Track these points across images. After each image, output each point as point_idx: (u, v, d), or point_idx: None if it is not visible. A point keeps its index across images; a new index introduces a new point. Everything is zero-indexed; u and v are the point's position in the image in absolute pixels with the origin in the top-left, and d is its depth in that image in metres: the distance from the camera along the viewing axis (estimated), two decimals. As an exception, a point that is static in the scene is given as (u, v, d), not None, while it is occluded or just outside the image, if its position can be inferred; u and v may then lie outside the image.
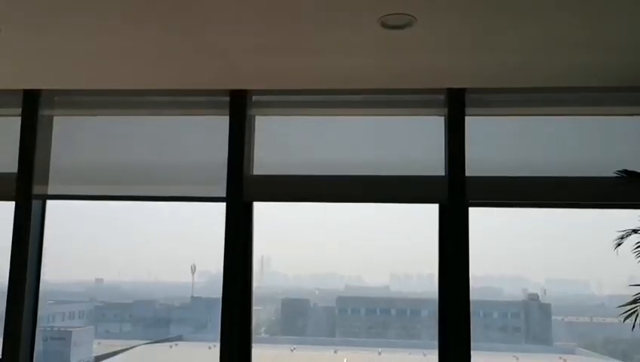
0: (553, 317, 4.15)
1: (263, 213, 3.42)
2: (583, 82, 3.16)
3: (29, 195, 3.41)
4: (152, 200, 3.44)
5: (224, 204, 3.32)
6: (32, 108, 3.46)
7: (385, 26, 2.58)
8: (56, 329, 4.21)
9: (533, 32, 2.63)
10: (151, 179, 3.42)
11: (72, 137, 3.52)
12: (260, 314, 3.98)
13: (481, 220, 3.28)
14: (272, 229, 3.55)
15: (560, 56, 2.86)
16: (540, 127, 3.29)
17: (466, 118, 3.25)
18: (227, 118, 3.36)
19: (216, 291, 3.28)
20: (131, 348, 4.44)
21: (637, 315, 2.64)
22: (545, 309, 4.11)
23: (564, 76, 3.11)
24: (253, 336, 3.31)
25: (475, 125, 3.26)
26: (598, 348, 4.17)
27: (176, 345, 4.42)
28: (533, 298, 4.10)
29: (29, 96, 3.47)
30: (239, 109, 3.36)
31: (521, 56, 2.87)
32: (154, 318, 4.60)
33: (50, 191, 3.44)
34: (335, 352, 4.04)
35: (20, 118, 3.46)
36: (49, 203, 3.50)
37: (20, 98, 3.46)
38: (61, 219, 3.62)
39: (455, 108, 3.25)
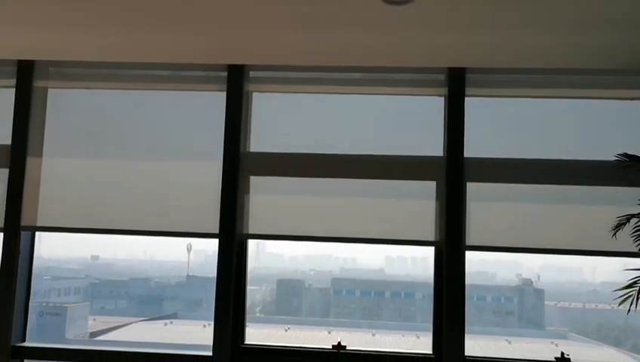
0: (546, 303, 4.16)
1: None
2: (584, 64, 3.13)
3: (22, 166, 3.37)
4: (145, 235, 3.39)
5: (220, 180, 3.29)
6: (27, 79, 3.42)
7: (386, 1, 2.54)
8: (52, 304, 4.20)
9: (536, 10, 2.59)
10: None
11: (66, 109, 3.48)
12: (255, 294, 3.98)
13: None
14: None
15: (563, 36, 2.83)
16: (540, 108, 3.25)
17: (466, 98, 3.21)
18: (224, 93, 3.32)
19: (212, 270, 3.28)
20: (126, 324, 4.44)
21: (632, 300, 2.63)
22: (538, 294, 4.12)
23: (566, 57, 3.07)
24: (248, 316, 3.31)
25: (475, 106, 3.22)
26: (590, 334, 4.18)
27: (170, 322, 4.43)
28: (527, 283, 4.11)
29: (23, 66, 3.42)
30: (236, 84, 3.32)
31: (522, 35, 2.83)
32: (149, 296, 4.60)
33: (45, 162, 3.41)
34: (329, 333, 4.04)
35: (14, 89, 3.43)
36: (43, 175, 3.46)
37: (14, 69, 3.42)
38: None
39: (455, 88, 3.22)
